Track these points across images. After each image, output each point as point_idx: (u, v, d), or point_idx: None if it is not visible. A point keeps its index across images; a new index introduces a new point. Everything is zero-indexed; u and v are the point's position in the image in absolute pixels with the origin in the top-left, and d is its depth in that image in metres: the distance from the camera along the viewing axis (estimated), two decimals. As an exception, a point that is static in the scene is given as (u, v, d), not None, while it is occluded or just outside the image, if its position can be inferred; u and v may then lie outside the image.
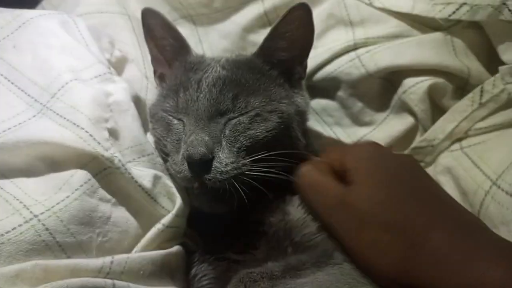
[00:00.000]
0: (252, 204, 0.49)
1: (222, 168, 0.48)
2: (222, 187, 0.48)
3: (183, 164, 0.49)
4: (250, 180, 0.49)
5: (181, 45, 0.60)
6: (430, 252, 0.39)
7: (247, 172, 0.49)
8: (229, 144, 0.50)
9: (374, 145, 0.53)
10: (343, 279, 0.44)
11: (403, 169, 0.47)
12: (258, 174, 0.49)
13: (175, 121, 0.53)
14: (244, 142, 0.50)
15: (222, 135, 0.50)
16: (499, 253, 0.38)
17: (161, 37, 0.60)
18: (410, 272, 0.40)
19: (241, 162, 0.49)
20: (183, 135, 0.52)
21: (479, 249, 0.38)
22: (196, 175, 0.48)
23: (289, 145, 0.53)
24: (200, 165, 0.48)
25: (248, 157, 0.50)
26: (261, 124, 0.51)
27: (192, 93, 0.53)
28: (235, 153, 0.49)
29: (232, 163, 0.49)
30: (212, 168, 0.48)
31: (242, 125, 0.51)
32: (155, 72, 0.64)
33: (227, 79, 0.53)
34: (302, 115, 0.57)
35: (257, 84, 0.54)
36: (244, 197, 0.48)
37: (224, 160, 0.48)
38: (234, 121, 0.51)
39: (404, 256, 0.40)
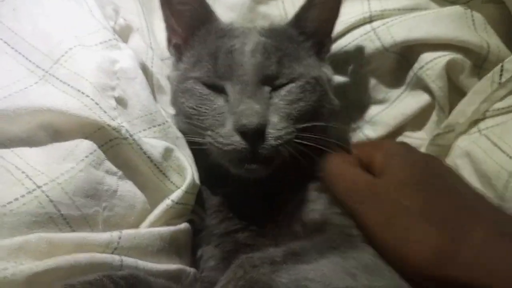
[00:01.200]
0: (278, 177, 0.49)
1: (276, 134, 0.47)
2: (274, 153, 0.47)
3: (233, 136, 0.47)
4: (297, 147, 0.48)
5: (206, 11, 0.57)
6: (471, 248, 0.38)
7: (295, 140, 0.48)
8: (279, 110, 0.49)
9: (404, 144, 0.53)
10: (347, 268, 0.41)
11: (433, 167, 0.47)
12: (305, 142, 0.48)
13: (212, 93, 0.51)
14: (293, 111, 0.49)
15: (271, 102, 0.49)
16: None
17: (180, 1, 0.56)
18: (447, 265, 0.38)
19: (291, 128, 0.48)
20: (227, 106, 0.49)
21: None
22: (250, 145, 0.46)
23: (328, 115, 0.53)
24: (254, 134, 0.45)
25: (296, 124, 0.49)
26: (310, 94, 0.51)
27: (235, 58, 0.50)
28: (285, 119, 0.48)
29: (284, 128, 0.47)
30: (266, 135, 0.46)
31: (293, 94, 0.50)
32: (169, 41, 0.60)
33: (269, 45, 0.52)
34: (332, 88, 0.57)
35: (297, 52, 0.54)
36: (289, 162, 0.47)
37: (278, 125, 0.47)
38: (284, 89, 0.50)
39: (443, 248, 0.39)
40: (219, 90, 0.51)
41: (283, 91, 0.50)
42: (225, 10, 0.70)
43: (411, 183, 0.44)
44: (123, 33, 0.60)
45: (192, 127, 0.51)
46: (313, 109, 0.51)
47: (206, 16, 0.57)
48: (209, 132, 0.49)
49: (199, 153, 0.52)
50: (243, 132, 0.46)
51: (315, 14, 0.55)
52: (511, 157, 0.50)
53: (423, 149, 0.60)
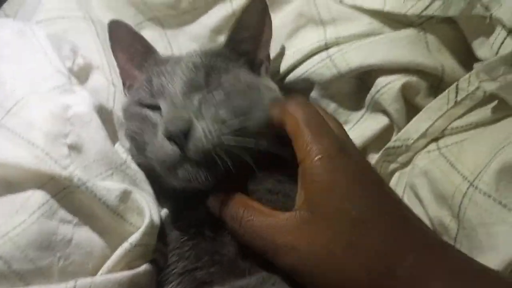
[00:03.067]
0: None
1: (203, 136, 0.48)
2: (206, 157, 0.48)
3: (163, 143, 0.48)
4: (234, 152, 0.48)
5: (148, 50, 0.63)
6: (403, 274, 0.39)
7: (228, 143, 0.48)
8: (207, 115, 0.50)
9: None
10: None
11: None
12: (240, 145, 0.48)
13: (149, 111, 0.54)
14: (223, 115, 0.51)
15: (198, 110, 0.51)
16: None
17: (128, 45, 0.63)
18: None
19: (221, 130, 0.49)
20: (160, 120, 0.52)
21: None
22: (179, 148, 0.48)
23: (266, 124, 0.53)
24: (179, 137, 0.47)
25: (228, 127, 0.50)
26: (239, 100, 0.53)
27: (166, 77, 0.55)
28: (213, 122, 0.49)
29: (210, 132, 0.48)
30: (193, 138, 0.47)
31: (218, 98, 0.52)
32: (124, 84, 0.64)
33: (198, 62, 0.56)
34: (272, 94, 0.59)
35: (227, 66, 0.57)
36: (231, 169, 0.48)
37: (206, 128, 0.48)
38: (209, 95, 0.53)
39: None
40: (155, 108, 0.54)
41: (210, 98, 0.53)
42: (188, 41, 0.71)
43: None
44: (83, 72, 0.60)
45: (138, 148, 0.54)
46: (244, 113, 0.52)
47: (149, 53, 0.63)
48: (147, 148, 0.51)
49: (153, 179, 0.54)
50: (169, 137, 0.48)
51: (247, 35, 0.60)
52: (465, 177, 0.50)
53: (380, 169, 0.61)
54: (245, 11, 0.60)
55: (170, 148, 0.48)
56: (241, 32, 0.60)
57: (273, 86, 0.62)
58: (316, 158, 0.44)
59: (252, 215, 0.46)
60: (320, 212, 0.43)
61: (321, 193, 0.43)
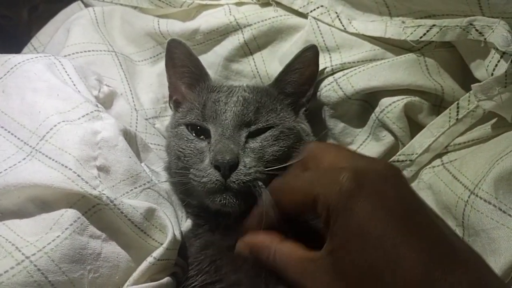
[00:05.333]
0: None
1: (246, 171, 0.53)
2: (244, 189, 0.53)
3: (209, 169, 0.54)
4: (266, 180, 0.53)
5: (202, 72, 0.66)
6: None
7: (266, 173, 0.54)
8: (252, 152, 0.55)
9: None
10: None
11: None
12: (275, 169, 0.54)
13: (197, 138, 0.59)
14: (265, 155, 0.56)
15: (246, 145, 0.56)
16: None
17: (182, 63, 0.66)
18: None
19: (261, 168, 0.54)
20: (208, 147, 0.56)
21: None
22: (222, 177, 0.53)
23: None
24: (226, 168, 0.52)
25: (268, 166, 0.55)
26: (283, 141, 0.58)
27: (219, 106, 0.59)
28: (256, 160, 0.55)
29: (254, 167, 0.54)
30: (237, 171, 0.53)
31: (266, 140, 0.57)
32: (170, 97, 0.69)
33: (249, 98, 0.60)
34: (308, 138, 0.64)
35: (274, 106, 0.62)
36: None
37: (248, 164, 0.54)
38: (259, 136, 0.57)
39: None
40: (204, 134, 0.58)
41: (258, 137, 0.57)
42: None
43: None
44: (108, 99, 0.65)
45: (179, 167, 0.58)
46: (286, 154, 0.57)
47: (202, 76, 0.66)
48: (191, 170, 0.56)
49: (187, 194, 0.59)
50: (217, 166, 0.53)
51: (295, 78, 0.64)
52: (466, 187, 0.54)
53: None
54: (298, 55, 0.63)
55: (214, 176, 0.53)
56: (289, 74, 0.64)
57: (308, 129, 0.65)
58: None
59: (284, 258, 0.45)
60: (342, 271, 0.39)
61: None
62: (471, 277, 0.34)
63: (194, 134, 0.59)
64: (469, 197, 0.52)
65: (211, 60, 0.75)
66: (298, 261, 0.43)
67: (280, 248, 0.45)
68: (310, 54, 0.63)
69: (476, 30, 0.57)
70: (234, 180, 0.53)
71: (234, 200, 0.54)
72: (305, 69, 0.64)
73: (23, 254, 0.44)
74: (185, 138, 0.59)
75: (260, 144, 0.56)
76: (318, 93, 0.69)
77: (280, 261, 0.45)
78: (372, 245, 0.36)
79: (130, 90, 0.72)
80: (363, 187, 0.38)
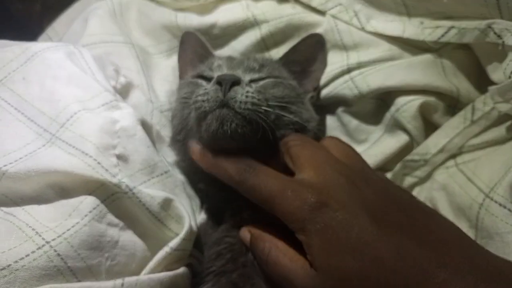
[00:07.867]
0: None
1: (248, 95, 0.52)
2: (243, 113, 0.51)
3: (210, 88, 0.53)
4: (266, 120, 0.52)
5: (208, 53, 0.70)
6: None
7: (265, 109, 0.53)
8: (253, 87, 0.55)
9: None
10: None
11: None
12: (275, 113, 0.54)
13: (203, 81, 0.60)
14: (266, 94, 0.56)
15: (249, 82, 0.57)
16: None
17: (192, 51, 0.70)
18: None
19: (259, 101, 0.53)
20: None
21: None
22: (223, 94, 0.52)
23: (302, 123, 0.59)
24: (228, 82, 0.52)
25: (266, 104, 0.54)
26: (284, 89, 0.59)
27: (225, 60, 0.63)
28: (257, 93, 0.54)
29: (255, 97, 0.53)
30: (238, 93, 0.52)
31: (268, 85, 0.58)
32: (181, 78, 0.72)
33: (257, 57, 0.65)
34: (311, 106, 0.65)
35: (280, 71, 0.64)
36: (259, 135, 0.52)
37: (250, 92, 0.53)
38: (260, 82, 0.58)
39: None
40: (209, 79, 0.59)
41: (261, 82, 0.58)
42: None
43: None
44: (125, 90, 0.66)
45: (182, 115, 0.59)
46: (285, 102, 0.56)
47: (207, 55, 0.69)
48: (192, 104, 0.55)
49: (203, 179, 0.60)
50: (219, 81, 0.53)
51: (296, 58, 0.67)
52: (481, 190, 0.54)
53: (398, 181, 0.64)
54: (302, 39, 0.66)
55: (214, 90, 0.53)
56: (294, 55, 0.66)
57: (315, 115, 0.64)
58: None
59: (278, 255, 0.47)
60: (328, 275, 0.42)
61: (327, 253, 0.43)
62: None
63: (199, 79, 0.61)
64: (484, 200, 0.53)
65: (227, 54, 0.75)
66: (288, 263, 0.45)
67: (276, 245, 0.48)
68: (314, 40, 0.66)
69: (495, 33, 0.58)
70: (233, 97, 0.52)
71: (233, 118, 0.51)
72: (308, 54, 0.66)
73: (43, 239, 0.44)
74: (190, 84, 0.61)
75: (262, 85, 0.57)
76: (333, 91, 0.69)
77: (270, 258, 0.47)
78: (347, 252, 0.41)
79: (146, 82, 0.72)
80: (327, 201, 0.43)
